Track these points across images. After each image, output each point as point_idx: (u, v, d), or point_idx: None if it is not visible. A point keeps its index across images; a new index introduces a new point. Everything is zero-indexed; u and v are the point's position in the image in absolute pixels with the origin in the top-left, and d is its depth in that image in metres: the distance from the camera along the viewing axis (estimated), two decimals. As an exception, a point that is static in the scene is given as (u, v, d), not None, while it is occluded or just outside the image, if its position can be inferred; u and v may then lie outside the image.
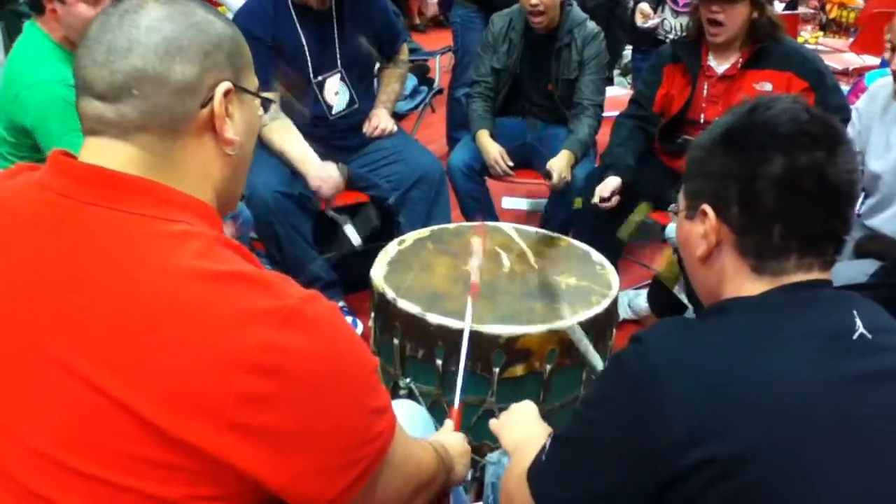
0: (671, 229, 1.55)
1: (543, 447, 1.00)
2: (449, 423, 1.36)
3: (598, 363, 1.56)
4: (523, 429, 1.26)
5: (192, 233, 0.81)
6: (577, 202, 2.64)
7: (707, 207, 0.94)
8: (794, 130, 0.90)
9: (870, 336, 0.87)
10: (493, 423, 1.35)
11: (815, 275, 0.92)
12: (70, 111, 1.98)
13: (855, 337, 0.87)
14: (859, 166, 0.93)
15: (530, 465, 1.01)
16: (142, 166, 0.83)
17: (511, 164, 2.89)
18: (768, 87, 2.46)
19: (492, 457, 1.42)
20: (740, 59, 2.50)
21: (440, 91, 4.41)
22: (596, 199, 2.52)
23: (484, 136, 2.91)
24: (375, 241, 2.43)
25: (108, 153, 0.83)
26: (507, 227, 2.30)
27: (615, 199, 2.53)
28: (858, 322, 0.88)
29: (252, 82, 0.93)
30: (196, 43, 0.84)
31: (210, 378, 0.73)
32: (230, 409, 0.73)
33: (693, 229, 0.97)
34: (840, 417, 0.83)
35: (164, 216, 0.81)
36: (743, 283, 0.93)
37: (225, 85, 0.86)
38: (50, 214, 0.81)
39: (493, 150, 2.88)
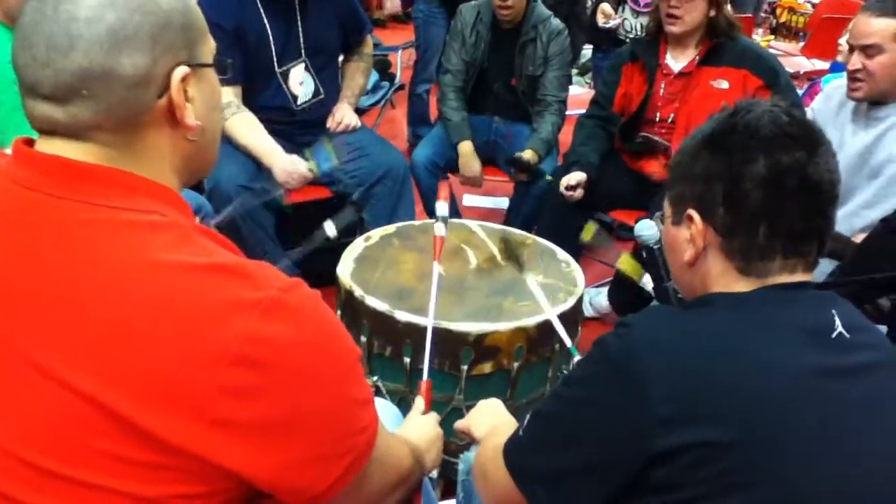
0: (641, 227, 1.57)
1: (521, 425, 1.01)
2: (419, 403, 1.36)
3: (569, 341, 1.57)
4: (493, 416, 1.29)
5: (164, 223, 0.78)
6: (548, 177, 2.66)
7: (692, 211, 0.96)
8: (774, 132, 0.92)
9: (847, 335, 0.90)
10: (460, 423, 1.36)
11: (798, 276, 0.94)
12: (14, 89, 1.93)
13: (834, 335, 0.89)
14: (838, 167, 0.96)
15: (507, 441, 1.02)
16: (102, 159, 0.79)
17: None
18: (724, 84, 2.51)
19: (465, 456, 1.41)
20: (697, 57, 2.55)
21: (402, 87, 4.39)
22: (562, 188, 2.54)
23: (468, 148, 2.91)
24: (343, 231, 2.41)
25: (64, 150, 0.79)
26: (473, 223, 2.30)
27: (580, 191, 2.56)
28: (837, 321, 0.90)
29: (207, 51, 0.86)
30: (143, 28, 0.77)
31: (191, 373, 0.71)
32: (213, 404, 0.72)
33: (679, 234, 0.99)
34: (820, 405, 0.85)
35: (134, 207, 0.78)
36: (729, 283, 0.95)
37: (181, 70, 0.80)
38: (13, 207, 0.78)
39: (476, 167, 2.90)
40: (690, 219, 0.96)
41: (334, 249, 2.07)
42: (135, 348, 0.71)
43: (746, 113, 0.95)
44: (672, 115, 2.60)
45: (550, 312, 1.66)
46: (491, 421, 1.28)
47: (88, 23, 0.75)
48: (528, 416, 1.01)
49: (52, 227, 0.76)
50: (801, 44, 5.78)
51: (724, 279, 0.95)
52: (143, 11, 0.77)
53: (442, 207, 1.71)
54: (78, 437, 0.72)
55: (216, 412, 0.72)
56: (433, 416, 1.32)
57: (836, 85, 2.37)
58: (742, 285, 0.94)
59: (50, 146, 0.79)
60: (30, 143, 0.82)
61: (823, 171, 0.92)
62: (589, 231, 2.06)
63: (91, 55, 0.75)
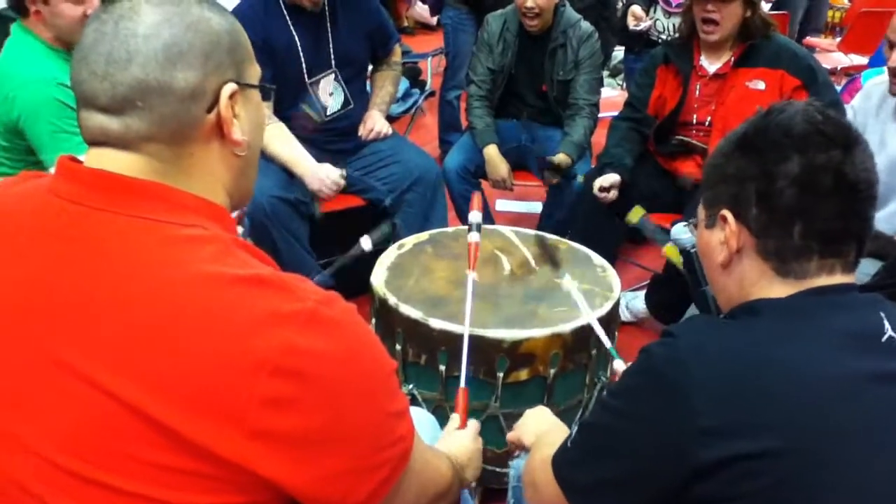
0: (677, 230, 1.55)
1: (569, 435, 1.01)
2: (455, 419, 1.35)
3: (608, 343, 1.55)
4: (542, 424, 1.28)
5: (206, 237, 0.79)
6: (580, 179, 2.64)
7: (726, 212, 0.94)
8: (808, 130, 0.90)
9: None
10: (511, 435, 1.35)
11: (838, 278, 0.91)
12: (61, 111, 1.99)
13: (884, 339, 0.87)
14: (875, 166, 0.93)
15: (556, 452, 1.01)
16: (151, 173, 0.81)
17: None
18: (761, 85, 2.47)
19: (515, 463, 1.40)
20: (732, 58, 2.51)
21: (432, 93, 4.39)
22: (596, 189, 2.51)
23: (493, 152, 2.90)
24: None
25: (113, 162, 0.81)
26: (506, 229, 2.29)
27: (614, 193, 2.53)
28: (886, 324, 0.88)
29: (253, 73, 0.90)
30: (196, 45, 0.81)
31: (231, 383, 0.72)
32: (252, 414, 0.72)
33: (713, 237, 0.98)
34: (871, 412, 0.83)
35: (177, 220, 0.79)
36: (768, 286, 0.93)
37: (230, 87, 0.84)
38: (60, 221, 0.80)
39: (503, 169, 2.88)
40: (724, 220, 0.95)
41: (368, 258, 2.08)
42: (175, 357, 0.72)
43: (780, 113, 0.94)
44: (708, 117, 2.56)
45: (590, 316, 1.63)
46: (539, 429, 1.27)
47: (146, 39, 0.79)
48: (575, 427, 1.00)
49: (95, 239, 0.78)
50: (838, 39, 5.67)
51: (761, 282, 0.93)
52: (195, 30, 0.82)
53: (475, 216, 1.69)
54: (118, 444, 0.72)
55: (254, 422, 0.72)
56: (473, 429, 1.31)
57: (876, 82, 2.31)
58: (780, 288, 0.92)
59: (100, 157, 0.81)
60: (74, 161, 0.84)
61: (860, 171, 0.89)
62: (637, 213, 2.05)
63: (148, 69, 0.79)
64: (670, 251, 1.71)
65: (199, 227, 0.80)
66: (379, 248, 2.07)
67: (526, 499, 1.19)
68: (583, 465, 0.96)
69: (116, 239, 0.77)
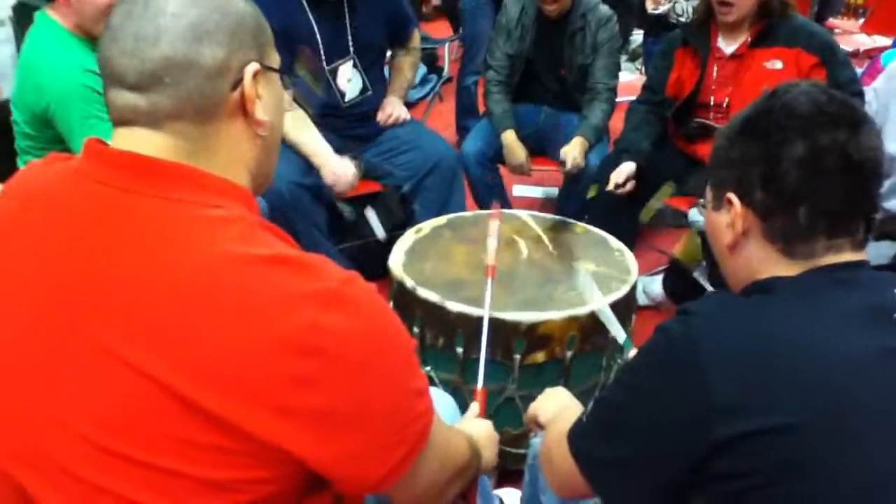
0: (694, 213, 1.55)
1: (585, 410, 1.02)
2: (474, 408, 1.37)
3: (622, 336, 1.57)
4: (559, 402, 1.30)
5: (231, 217, 0.81)
6: (593, 190, 2.63)
7: (731, 195, 0.95)
8: (812, 112, 0.91)
9: None
10: (528, 413, 1.36)
11: (847, 256, 0.92)
12: (89, 97, 2.02)
13: None
14: (882, 145, 0.94)
15: (571, 427, 1.02)
16: (177, 153, 0.83)
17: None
18: (778, 64, 2.45)
19: (533, 441, 1.42)
20: (749, 38, 2.49)
21: (449, 79, 4.39)
22: (611, 186, 2.51)
23: (511, 137, 2.89)
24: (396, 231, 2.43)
25: (141, 142, 0.83)
26: (523, 214, 2.30)
27: (630, 185, 2.53)
28: None
29: (275, 59, 0.92)
30: (222, 24, 0.84)
31: (258, 361, 0.74)
32: (277, 391, 0.74)
33: (720, 219, 0.98)
34: (885, 387, 0.84)
35: (203, 201, 0.81)
36: (775, 266, 0.93)
37: (253, 66, 0.86)
38: (89, 202, 0.81)
39: (521, 155, 2.88)
40: (730, 203, 0.95)
41: (385, 242, 2.09)
42: (202, 336, 0.74)
43: (784, 94, 0.94)
44: (726, 98, 2.55)
45: (601, 301, 1.64)
46: (556, 406, 1.28)
47: (175, 17, 0.82)
48: (591, 403, 1.01)
49: (123, 219, 0.79)
50: (860, 21, 5.59)
51: (768, 263, 0.94)
52: (221, 11, 0.84)
53: (494, 227, 1.66)
54: (150, 422, 0.75)
55: (280, 399, 0.74)
56: (488, 422, 1.33)
57: (900, 63, 2.29)
58: (787, 268, 0.92)
59: (128, 136, 0.83)
60: (102, 143, 0.86)
61: (865, 150, 0.90)
62: (649, 212, 2.05)
63: (176, 46, 0.81)
64: (682, 249, 1.70)
65: (224, 207, 0.82)
66: (395, 234, 2.07)
67: (542, 474, 1.21)
68: (598, 441, 0.97)
69: (144, 220, 0.79)
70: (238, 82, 0.85)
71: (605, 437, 0.96)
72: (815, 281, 0.90)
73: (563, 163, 2.69)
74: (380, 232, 1.81)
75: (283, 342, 0.74)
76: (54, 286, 0.79)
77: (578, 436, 1.01)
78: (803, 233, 0.91)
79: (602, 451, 0.96)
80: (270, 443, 0.75)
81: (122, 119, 0.84)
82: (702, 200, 1.08)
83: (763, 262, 0.94)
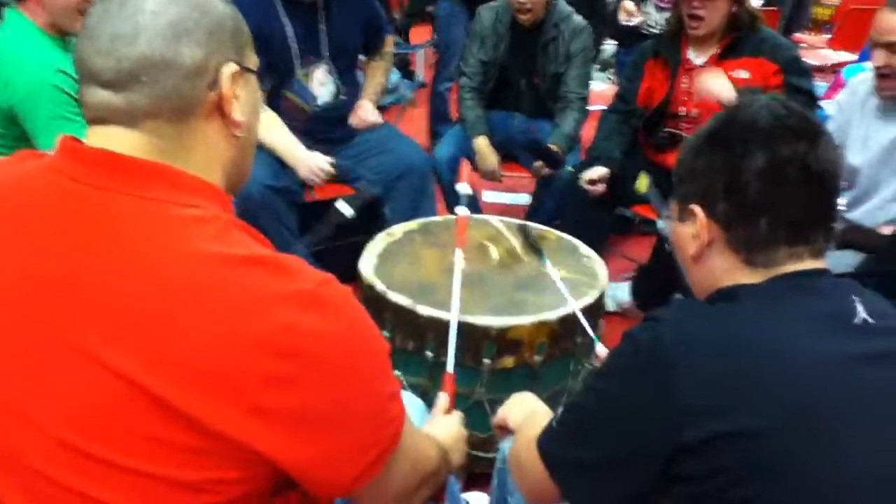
0: (663, 223, 1.57)
1: (554, 416, 1.03)
2: (443, 398, 1.37)
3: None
4: (527, 407, 1.31)
5: (207, 217, 0.81)
6: (642, 180, 2.66)
7: (696, 207, 0.97)
8: (773, 124, 0.94)
9: (871, 321, 0.90)
10: (496, 417, 1.37)
11: (808, 264, 0.94)
12: (58, 97, 1.99)
13: (856, 321, 0.90)
14: (840, 157, 0.97)
15: (541, 432, 1.03)
16: (152, 151, 0.82)
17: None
18: (744, 74, 2.50)
19: (502, 446, 1.43)
20: (718, 50, 2.54)
21: (423, 85, 4.40)
22: (584, 182, 2.54)
23: (483, 143, 2.92)
24: (364, 225, 2.43)
25: (116, 140, 0.82)
26: (494, 219, 2.31)
27: (602, 186, 2.56)
28: (859, 307, 0.91)
29: (253, 60, 0.92)
30: (202, 23, 0.83)
31: (233, 361, 0.73)
32: (251, 391, 0.74)
33: (684, 230, 1.00)
34: (847, 392, 0.86)
35: (178, 200, 0.80)
36: (738, 275, 0.96)
37: (231, 66, 0.85)
38: (63, 200, 0.80)
39: (493, 161, 2.90)
40: (694, 214, 0.97)
41: (354, 246, 2.09)
42: (178, 336, 0.73)
43: (746, 108, 0.97)
44: (696, 109, 2.59)
45: (574, 304, 1.66)
46: (524, 411, 1.29)
47: (154, 15, 0.81)
48: (560, 408, 1.03)
49: (97, 217, 0.79)
50: (826, 36, 5.71)
51: (732, 272, 0.96)
52: (201, 10, 0.84)
53: (464, 188, 1.70)
54: (122, 422, 0.74)
55: (254, 399, 0.74)
56: (457, 416, 1.33)
57: (862, 78, 2.34)
58: (750, 276, 0.95)
59: (102, 134, 0.82)
60: (76, 140, 0.85)
61: (824, 161, 0.93)
62: (643, 181, 2.08)
63: (154, 44, 0.81)
64: (642, 182, 1.73)
65: (200, 207, 0.81)
66: (366, 237, 2.07)
67: (512, 480, 1.21)
68: (568, 446, 0.98)
69: (119, 218, 0.78)
70: (216, 82, 0.85)
71: (575, 442, 0.97)
72: (777, 288, 0.92)
73: (535, 168, 2.71)
74: (347, 211, 1.81)
75: (259, 342, 0.73)
76: (27, 284, 0.78)
77: (548, 441, 1.02)
78: (765, 242, 0.93)
79: (571, 456, 0.97)
80: (243, 443, 0.75)
81: (97, 117, 0.83)
82: (667, 213, 1.11)
83: (727, 270, 0.96)
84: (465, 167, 1.78)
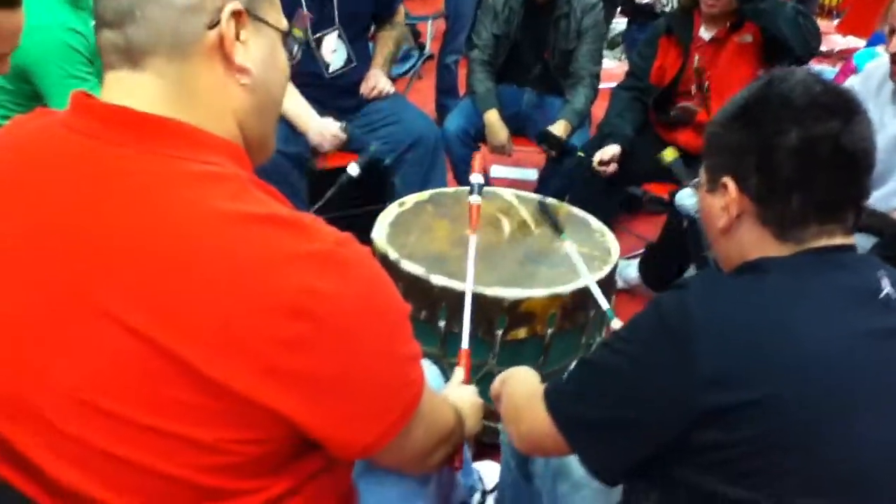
0: (682, 196, 1.57)
1: (566, 372, 1.03)
2: (459, 373, 1.37)
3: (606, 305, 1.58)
4: (511, 368, 1.31)
5: (224, 174, 0.79)
6: (669, 153, 2.66)
7: (727, 180, 0.96)
8: (807, 102, 0.93)
9: (895, 296, 0.90)
10: (492, 390, 1.36)
11: (838, 240, 0.94)
12: (70, 56, 1.97)
13: (881, 296, 0.90)
14: (874, 134, 0.96)
15: (548, 386, 1.04)
16: (159, 96, 0.80)
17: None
18: (748, 38, 2.52)
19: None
20: (728, 24, 2.55)
21: (430, 57, 4.36)
22: (596, 161, 2.54)
23: (494, 117, 2.90)
24: (374, 195, 2.42)
25: (126, 88, 0.81)
26: (507, 192, 2.30)
27: (613, 166, 2.56)
28: (885, 282, 0.91)
29: (272, 14, 0.89)
30: None
31: (248, 321, 0.72)
32: (268, 352, 0.73)
33: (714, 202, 1.00)
34: (868, 367, 0.86)
35: (195, 157, 0.79)
36: (767, 248, 0.95)
37: (232, 5, 0.82)
38: (78, 157, 0.79)
39: (503, 135, 2.88)
40: (725, 187, 0.97)
41: (364, 216, 2.09)
42: (194, 294, 0.73)
43: (780, 83, 0.95)
44: (706, 83, 2.59)
45: (588, 278, 1.66)
46: (508, 371, 1.29)
47: None
48: (573, 364, 1.03)
49: (113, 174, 0.77)
50: (836, 22, 5.68)
51: (760, 245, 0.96)
52: None
53: (476, 178, 1.71)
54: (139, 380, 0.74)
55: (271, 360, 0.73)
56: (473, 388, 1.33)
57: (877, 64, 2.33)
58: (779, 249, 0.94)
59: (115, 84, 0.82)
60: (89, 97, 0.83)
61: (857, 140, 0.92)
62: (671, 154, 2.08)
63: None
64: (669, 153, 1.72)
65: (217, 164, 0.80)
66: (378, 207, 2.07)
67: (506, 435, 1.21)
68: (580, 401, 0.98)
69: (135, 175, 0.77)
70: (216, 23, 0.81)
71: (588, 399, 0.97)
72: (805, 262, 0.93)
73: (545, 142, 2.70)
74: (354, 170, 1.81)
75: (275, 303, 0.73)
76: (44, 243, 0.77)
77: (558, 394, 1.01)
78: (796, 219, 0.93)
79: (583, 412, 0.97)
80: (260, 404, 0.75)
81: (108, 62, 0.83)
82: (696, 181, 1.10)
83: (755, 243, 0.96)
84: (478, 157, 1.78)
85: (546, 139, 2.75)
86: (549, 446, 1.02)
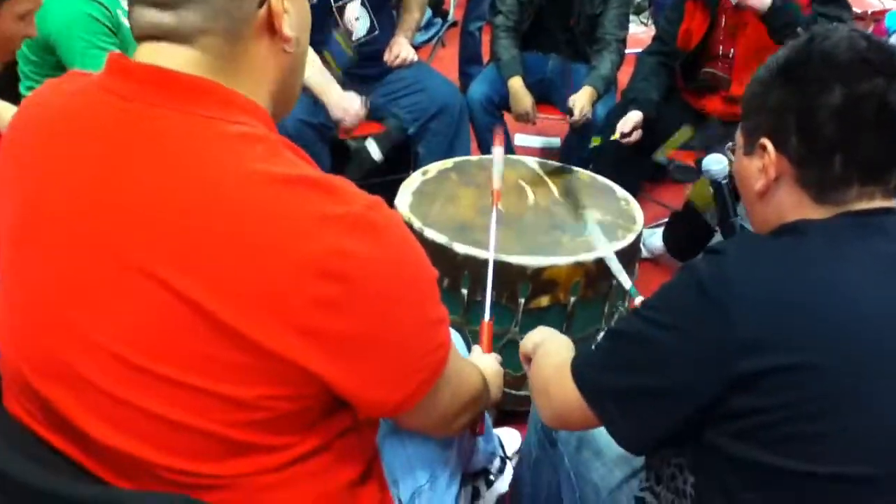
0: (709, 161, 1.54)
1: (594, 343, 1.02)
2: (477, 349, 1.38)
3: (628, 283, 1.58)
4: (547, 331, 1.30)
5: (255, 135, 0.80)
6: (596, 141, 2.63)
7: (766, 141, 0.94)
8: (852, 58, 0.89)
9: None
10: (521, 348, 1.36)
11: (878, 202, 0.92)
12: (93, 26, 1.98)
13: None
14: None
15: (576, 357, 1.02)
16: (203, 67, 0.81)
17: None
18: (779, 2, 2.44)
19: None
20: None
21: (454, 24, 4.32)
22: (617, 135, 2.51)
23: (518, 84, 2.85)
24: (396, 165, 2.41)
25: (166, 55, 0.81)
26: (530, 160, 2.29)
27: (636, 135, 2.53)
28: None
29: None
30: None
31: (282, 281, 0.74)
32: (301, 312, 0.74)
33: (752, 164, 0.98)
34: None
35: (227, 118, 0.80)
36: (805, 211, 0.93)
37: None
38: (114, 118, 0.80)
39: (527, 102, 2.84)
40: (763, 148, 0.94)
41: (388, 184, 2.09)
42: (228, 254, 0.74)
43: (824, 40, 0.92)
44: (732, 49, 2.54)
45: (607, 250, 1.66)
46: (543, 334, 1.27)
47: None
48: (601, 336, 1.02)
49: (150, 135, 0.78)
50: (870, -18, 5.52)
51: (799, 207, 0.94)
52: None
53: (498, 153, 1.70)
54: (178, 340, 0.75)
55: (303, 320, 0.75)
56: (494, 357, 1.34)
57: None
58: (817, 212, 0.92)
59: (152, 51, 0.81)
60: (124, 58, 0.84)
61: None
62: (684, 134, 2.05)
63: None
64: (696, 192, 1.71)
65: (247, 125, 0.81)
66: (400, 176, 2.07)
67: (536, 407, 1.20)
68: (610, 371, 0.96)
69: (171, 136, 0.78)
70: (264, 0, 0.83)
71: (619, 368, 0.95)
72: (844, 225, 0.90)
73: (570, 111, 2.67)
74: (376, 154, 1.80)
75: (306, 264, 0.74)
76: (82, 203, 0.79)
77: (586, 366, 1.00)
78: (837, 182, 0.91)
79: (613, 382, 0.95)
80: (292, 361, 0.76)
81: (144, 35, 0.82)
82: (731, 144, 1.08)
83: (793, 206, 0.94)
84: (500, 132, 1.78)
85: (570, 112, 2.72)
86: (577, 420, 1.01)
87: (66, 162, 0.81)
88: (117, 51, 2.05)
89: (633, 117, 2.54)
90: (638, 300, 1.46)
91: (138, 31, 0.83)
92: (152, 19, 0.81)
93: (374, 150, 1.88)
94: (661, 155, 2.04)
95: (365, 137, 2.59)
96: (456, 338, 1.42)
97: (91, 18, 1.97)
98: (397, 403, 0.86)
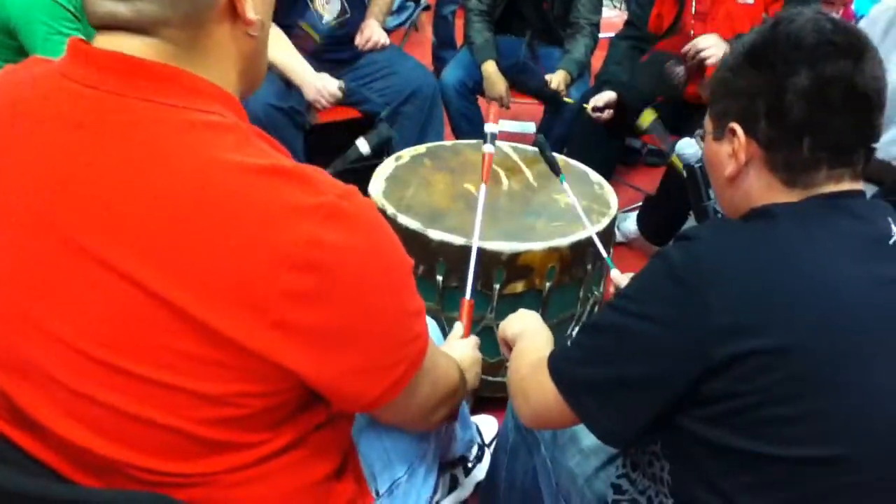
0: (682, 145, 1.54)
1: (568, 337, 1.01)
2: (458, 327, 1.37)
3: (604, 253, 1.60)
4: (527, 321, 1.28)
5: (226, 125, 0.78)
6: (570, 100, 2.65)
7: (735, 125, 0.94)
8: (818, 41, 0.89)
9: None
10: (499, 333, 1.34)
11: (846, 185, 0.92)
12: (56, 11, 1.93)
13: (892, 242, 0.89)
14: (884, 73, 0.93)
15: (553, 352, 1.01)
16: (165, 55, 0.78)
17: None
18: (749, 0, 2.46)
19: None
20: None
21: (427, 7, 4.28)
22: (589, 108, 2.51)
23: (492, 68, 2.85)
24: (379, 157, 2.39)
25: (126, 45, 0.78)
26: (504, 145, 2.28)
27: (608, 113, 2.53)
28: (894, 228, 0.90)
29: None
30: None
31: (253, 274, 0.72)
32: (273, 305, 0.72)
33: (721, 149, 0.98)
34: (878, 314, 0.85)
35: (195, 106, 0.77)
36: (775, 194, 0.93)
37: None
38: (76, 106, 0.77)
39: (501, 86, 2.84)
40: (733, 133, 0.94)
41: (363, 170, 2.06)
42: (199, 246, 0.72)
43: (789, 23, 0.92)
44: (703, 34, 2.55)
45: (590, 229, 1.65)
46: (523, 325, 1.26)
47: None
48: (577, 331, 1.02)
49: (113, 124, 0.76)
50: (839, -34, 5.56)
51: (769, 191, 0.94)
52: None
53: (491, 127, 1.69)
54: (145, 334, 0.73)
55: (276, 313, 0.73)
56: (474, 339, 1.33)
57: (882, 8, 2.28)
58: (787, 196, 0.93)
59: (111, 40, 0.78)
60: (86, 43, 0.80)
61: (869, 80, 0.89)
62: (647, 117, 2.06)
63: None
64: (677, 161, 1.71)
65: (217, 113, 0.78)
66: (374, 161, 2.05)
67: (514, 408, 1.18)
68: (586, 365, 0.95)
69: (135, 124, 0.75)
70: None
71: (595, 361, 0.95)
72: (814, 208, 0.91)
73: (546, 83, 2.67)
74: (364, 147, 1.78)
75: (279, 255, 0.72)
76: (41, 192, 0.76)
77: (562, 360, 0.99)
78: (806, 164, 0.91)
79: (589, 375, 0.95)
80: (266, 357, 0.74)
81: (101, 26, 0.79)
82: (700, 131, 1.07)
83: (763, 190, 0.94)
84: (493, 107, 1.76)
85: (543, 94, 2.72)
86: (556, 417, 0.99)
87: (25, 151, 0.78)
88: (81, 36, 2.00)
89: (606, 95, 2.55)
90: (614, 273, 1.45)
91: (95, 21, 0.79)
92: (107, 10, 0.77)
93: (363, 146, 1.87)
94: (643, 122, 2.07)
95: (338, 122, 2.56)
96: (432, 325, 1.41)
97: (53, 2, 1.91)
98: (376, 397, 0.84)
